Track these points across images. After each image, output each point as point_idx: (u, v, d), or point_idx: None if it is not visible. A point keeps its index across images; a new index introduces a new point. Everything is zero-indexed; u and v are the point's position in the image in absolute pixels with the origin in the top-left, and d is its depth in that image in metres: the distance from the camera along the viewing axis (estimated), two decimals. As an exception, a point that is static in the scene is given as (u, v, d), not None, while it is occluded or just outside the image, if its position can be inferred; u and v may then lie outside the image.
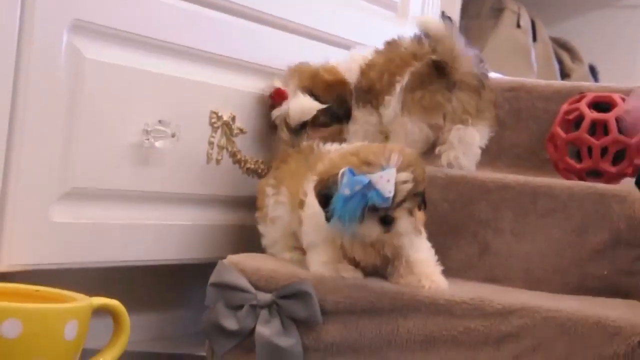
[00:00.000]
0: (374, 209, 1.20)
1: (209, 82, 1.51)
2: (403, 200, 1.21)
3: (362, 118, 1.57)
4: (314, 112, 1.47)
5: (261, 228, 1.47)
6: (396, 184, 1.19)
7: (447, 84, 1.43)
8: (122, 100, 1.35)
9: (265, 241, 1.46)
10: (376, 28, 1.88)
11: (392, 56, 1.53)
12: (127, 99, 1.36)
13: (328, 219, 1.23)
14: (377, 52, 1.59)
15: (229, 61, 1.54)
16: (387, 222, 1.21)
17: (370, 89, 1.55)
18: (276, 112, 1.56)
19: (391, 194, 1.18)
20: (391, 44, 1.57)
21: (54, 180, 1.28)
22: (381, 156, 1.21)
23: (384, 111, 1.51)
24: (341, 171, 1.20)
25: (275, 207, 1.43)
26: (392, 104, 1.49)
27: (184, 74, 1.46)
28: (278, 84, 1.58)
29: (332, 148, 1.40)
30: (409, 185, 1.20)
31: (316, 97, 1.50)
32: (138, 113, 1.38)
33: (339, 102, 1.56)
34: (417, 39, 1.52)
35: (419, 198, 1.24)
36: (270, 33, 1.63)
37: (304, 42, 1.71)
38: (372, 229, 1.22)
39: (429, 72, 1.45)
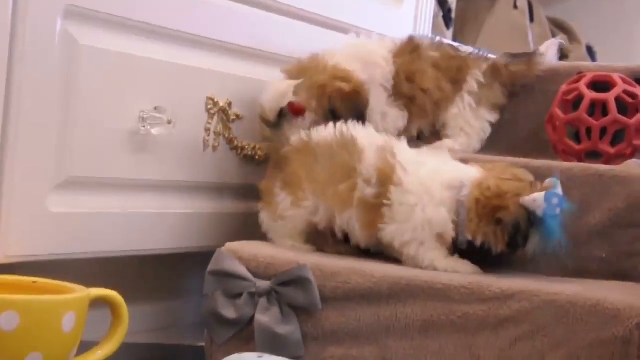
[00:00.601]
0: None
1: (204, 68, 1.50)
2: None
3: (391, 116, 1.57)
4: (290, 93, 1.46)
5: (267, 223, 1.44)
6: None
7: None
8: (117, 87, 1.34)
9: (272, 235, 1.44)
10: (373, 12, 1.87)
11: (444, 64, 1.59)
12: (123, 85, 1.35)
13: (520, 247, 1.27)
14: (406, 55, 1.58)
15: (225, 46, 1.53)
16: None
17: (415, 97, 1.57)
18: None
19: None
20: (418, 48, 1.59)
21: (50, 170, 1.27)
22: (526, 174, 1.29)
23: (442, 114, 1.60)
24: (542, 196, 1.23)
25: (291, 208, 1.39)
26: (459, 106, 1.60)
27: (179, 60, 1.45)
28: (291, 97, 1.48)
29: (351, 134, 1.38)
30: None
31: (334, 113, 1.46)
32: (134, 100, 1.37)
33: (355, 113, 1.48)
34: (439, 43, 1.63)
35: None
36: (266, 17, 1.61)
37: (301, 26, 1.69)
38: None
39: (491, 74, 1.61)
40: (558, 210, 1.23)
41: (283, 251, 1.35)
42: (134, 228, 1.40)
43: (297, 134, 1.44)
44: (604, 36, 2.95)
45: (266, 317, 1.26)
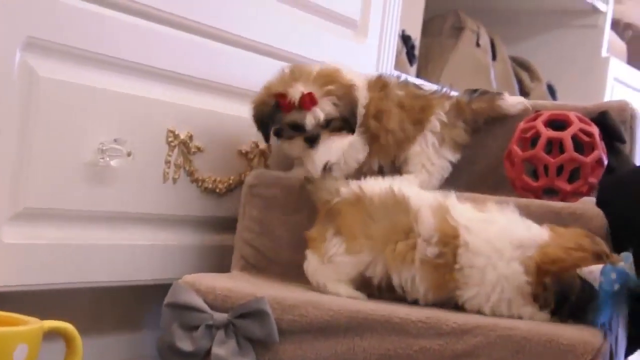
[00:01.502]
0: None
1: (165, 100, 1.50)
2: None
3: (355, 146, 1.58)
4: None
5: (313, 266, 1.41)
6: None
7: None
8: (77, 118, 1.34)
9: (318, 278, 1.41)
10: (336, 46, 1.89)
11: (409, 103, 1.61)
12: (82, 117, 1.35)
13: (566, 316, 1.27)
14: (376, 91, 1.60)
15: (185, 79, 1.53)
16: None
17: (379, 136, 1.59)
18: (310, 121, 1.48)
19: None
20: (386, 86, 1.61)
21: (5, 200, 1.25)
22: (598, 244, 1.28)
23: (404, 153, 1.61)
24: (600, 269, 1.23)
25: (344, 254, 1.37)
26: (421, 144, 1.61)
27: (139, 92, 1.45)
28: (302, 88, 1.48)
29: (394, 190, 1.39)
30: None
31: (340, 111, 1.49)
32: (93, 131, 1.36)
33: (351, 110, 1.52)
34: (404, 82, 1.65)
35: None
36: (227, 50, 1.62)
37: (263, 60, 1.70)
38: None
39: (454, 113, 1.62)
40: (616, 286, 1.22)
41: (240, 284, 1.35)
42: (91, 260, 1.39)
43: (346, 185, 1.42)
44: (564, 75, 3.00)
45: (223, 349, 1.25)
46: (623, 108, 1.60)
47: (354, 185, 1.41)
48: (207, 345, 1.26)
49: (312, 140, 1.50)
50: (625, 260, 1.24)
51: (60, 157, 1.32)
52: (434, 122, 1.60)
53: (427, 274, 1.33)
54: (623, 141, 1.57)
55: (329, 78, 1.51)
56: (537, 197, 1.51)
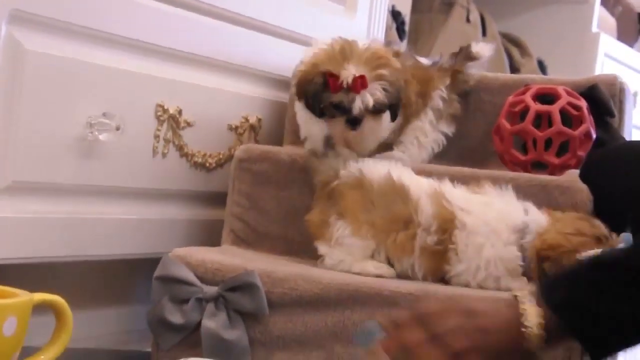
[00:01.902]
0: None
1: (154, 75, 1.49)
2: None
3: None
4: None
5: (323, 249, 1.39)
6: None
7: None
8: (64, 92, 1.33)
9: (329, 261, 1.39)
10: (325, 21, 1.88)
11: (417, 74, 1.58)
12: (70, 91, 1.34)
13: None
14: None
15: (175, 54, 1.53)
16: None
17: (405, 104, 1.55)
18: (358, 105, 1.42)
19: None
20: (398, 54, 1.57)
21: (-7, 174, 1.25)
22: (597, 227, 1.27)
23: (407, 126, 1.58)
24: (597, 252, 1.21)
25: (351, 236, 1.36)
26: (422, 120, 1.60)
27: (128, 66, 1.44)
28: (354, 70, 1.41)
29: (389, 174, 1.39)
30: None
31: (387, 90, 1.43)
32: (81, 105, 1.36)
33: (398, 97, 1.46)
34: (409, 53, 1.63)
35: None
36: (217, 25, 1.61)
37: (252, 35, 1.70)
38: None
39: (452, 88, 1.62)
40: None
41: (231, 257, 1.35)
42: (80, 234, 1.39)
43: (345, 167, 1.41)
44: (554, 51, 2.99)
45: (213, 322, 1.25)
46: (612, 82, 1.60)
47: (353, 167, 1.41)
48: (197, 318, 1.27)
49: (354, 123, 1.44)
50: (625, 242, 1.24)
51: (49, 130, 1.31)
52: (437, 100, 1.59)
53: (425, 261, 1.34)
54: (612, 115, 1.57)
55: (382, 61, 1.44)
56: (526, 170, 1.52)
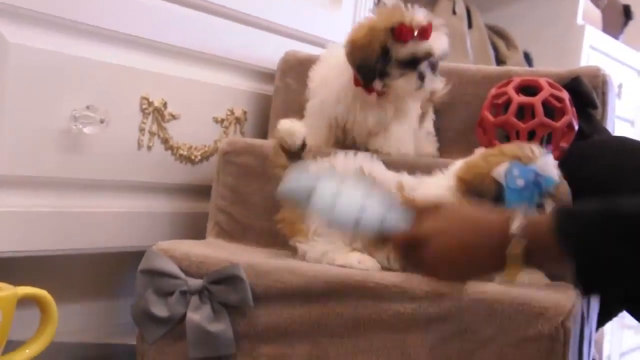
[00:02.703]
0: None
1: (139, 68, 1.49)
2: None
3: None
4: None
5: (303, 246, 1.38)
6: None
7: None
8: (48, 85, 1.33)
9: (311, 254, 1.37)
10: (310, 13, 1.88)
11: None
12: (54, 84, 1.34)
13: None
14: None
15: (160, 46, 1.53)
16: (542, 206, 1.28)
17: None
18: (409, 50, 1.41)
19: (558, 177, 1.26)
20: None
21: (-23, 168, 1.25)
22: (523, 149, 1.28)
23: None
24: (505, 167, 1.25)
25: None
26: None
27: (113, 59, 1.44)
28: (422, 18, 1.40)
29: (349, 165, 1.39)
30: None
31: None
32: (66, 99, 1.36)
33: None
34: None
35: None
36: (202, 18, 1.61)
37: (237, 27, 1.70)
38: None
39: None
40: (520, 182, 1.24)
41: (215, 250, 1.36)
42: (64, 227, 1.39)
43: (315, 161, 1.41)
44: (539, 43, 3.00)
45: (197, 315, 1.26)
46: (595, 74, 1.61)
47: (325, 161, 1.41)
48: (181, 310, 1.27)
49: (422, 78, 1.43)
50: (541, 159, 1.26)
51: (33, 124, 1.31)
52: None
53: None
54: (595, 106, 1.58)
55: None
56: (509, 162, 1.52)
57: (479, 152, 1.34)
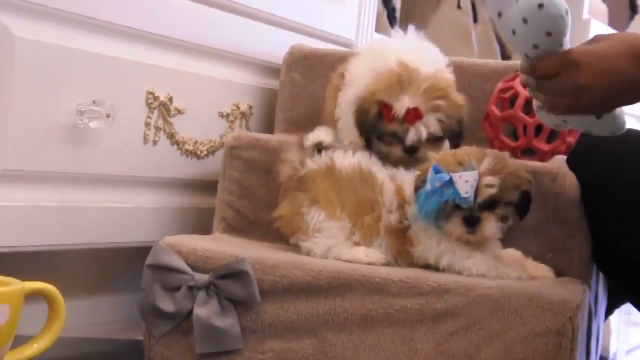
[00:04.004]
0: (458, 207, 1.27)
1: (145, 62, 1.49)
2: (490, 204, 1.27)
3: None
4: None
5: (305, 244, 1.38)
6: (479, 187, 1.25)
7: None
8: (54, 79, 1.33)
9: (316, 251, 1.37)
10: (315, 8, 1.88)
11: None
12: (60, 78, 1.34)
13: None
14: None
15: (165, 40, 1.53)
16: (470, 222, 1.28)
17: None
18: (411, 137, 1.41)
19: (468, 195, 1.25)
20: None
21: (-17, 163, 1.25)
22: (474, 158, 1.28)
23: None
24: (430, 167, 1.27)
25: (327, 220, 1.36)
26: None
27: (118, 53, 1.44)
28: (407, 102, 1.39)
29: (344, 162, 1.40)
30: (492, 190, 1.26)
31: (446, 129, 1.42)
32: (71, 93, 1.35)
33: (458, 130, 1.44)
34: None
35: (510, 207, 1.29)
36: (207, 12, 1.61)
37: (243, 22, 1.69)
38: (454, 227, 1.28)
39: None
40: (429, 186, 1.27)
41: (222, 245, 1.35)
42: (71, 222, 1.39)
43: (314, 159, 1.41)
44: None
45: (204, 310, 1.26)
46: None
47: (324, 157, 1.41)
48: (188, 306, 1.27)
49: (411, 151, 1.43)
50: (462, 172, 1.26)
51: (39, 118, 1.31)
52: None
53: (391, 241, 1.35)
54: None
55: (441, 93, 1.42)
56: (516, 157, 1.51)
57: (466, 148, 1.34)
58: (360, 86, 1.47)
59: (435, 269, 1.32)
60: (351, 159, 1.40)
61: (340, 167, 1.39)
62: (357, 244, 1.37)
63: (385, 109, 1.41)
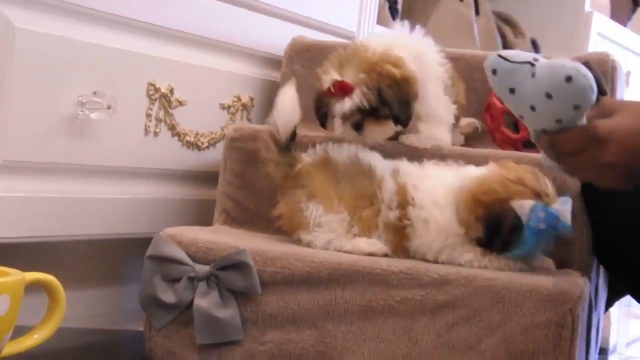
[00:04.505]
0: None
1: (146, 53, 1.49)
2: None
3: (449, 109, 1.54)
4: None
5: (306, 237, 1.38)
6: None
7: None
8: (55, 70, 1.33)
9: (318, 243, 1.36)
10: (316, 0, 1.88)
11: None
12: (61, 69, 1.33)
13: (497, 248, 1.27)
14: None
15: (166, 32, 1.52)
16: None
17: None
18: (340, 108, 1.40)
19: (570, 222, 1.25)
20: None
21: (-16, 154, 1.25)
22: (541, 183, 1.26)
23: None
24: (530, 205, 1.23)
25: (326, 214, 1.35)
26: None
27: (120, 44, 1.44)
28: (335, 75, 1.40)
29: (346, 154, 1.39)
30: None
31: (381, 96, 1.39)
32: (72, 84, 1.35)
33: (403, 102, 1.42)
34: None
35: None
36: (209, 3, 1.61)
37: (244, 13, 1.69)
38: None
39: None
40: (542, 225, 1.23)
41: (222, 236, 1.35)
42: (72, 213, 1.39)
43: (309, 152, 1.41)
44: (547, 30, 2.99)
45: (205, 301, 1.26)
46: (604, 60, 1.60)
47: (319, 149, 1.41)
48: (189, 297, 1.27)
49: (356, 127, 1.42)
50: (561, 204, 1.24)
51: (39, 109, 1.31)
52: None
53: (389, 237, 1.34)
54: (604, 93, 1.57)
55: (375, 67, 1.40)
56: (517, 149, 1.52)
57: (493, 168, 1.31)
58: None
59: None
60: (347, 149, 1.40)
61: (335, 158, 1.39)
62: (357, 236, 1.36)
63: (320, 86, 1.41)
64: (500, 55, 1.08)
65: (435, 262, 1.30)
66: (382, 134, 1.44)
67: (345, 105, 1.39)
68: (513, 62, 1.06)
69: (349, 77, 1.39)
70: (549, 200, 1.25)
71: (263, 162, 1.43)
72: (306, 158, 1.40)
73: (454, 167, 1.36)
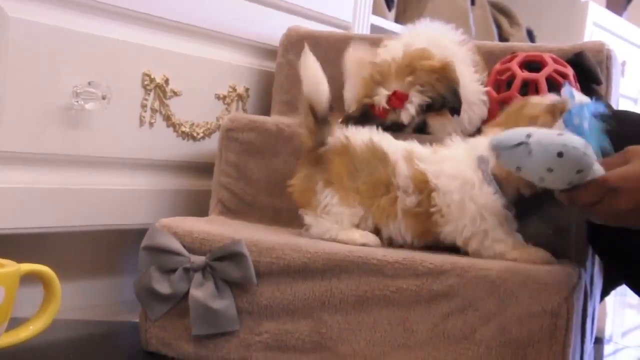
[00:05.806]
0: None
1: (141, 43, 1.48)
2: None
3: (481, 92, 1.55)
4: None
5: (309, 219, 1.37)
6: None
7: None
8: (49, 60, 1.32)
9: (315, 230, 1.37)
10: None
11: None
12: (55, 59, 1.33)
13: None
14: None
15: (161, 22, 1.52)
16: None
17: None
18: (406, 119, 1.44)
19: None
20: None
21: (-21, 144, 1.25)
22: (546, 102, 1.27)
23: None
24: (562, 120, 1.20)
25: (339, 205, 1.35)
26: None
27: (114, 35, 1.43)
28: (384, 91, 1.43)
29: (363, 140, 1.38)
30: None
31: (435, 91, 1.43)
32: (67, 74, 1.35)
33: (452, 93, 1.44)
34: None
35: None
36: (203, -6, 1.61)
37: (239, 3, 1.69)
38: None
39: None
40: (585, 124, 1.19)
41: (218, 227, 1.35)
42: (66, 204, 1.39)
43: (333, 134, 1.39)
44: (543, 20, 2.99)
45: (201, 292, 1.26)
46: (599, 49, 1.60)
47: (340, 134, 1.40)
48: (185, 287, 1.27)
49: (420, 131, 1.46)
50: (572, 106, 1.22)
51: (33, 100, 1.31)
52: None
53: (410, 223, 1.33)
54: (599, 82, 1.57)
55: (409, 68, 1.43)
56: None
57: (492, 129, 1.31)
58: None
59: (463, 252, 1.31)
60: (364, 134, 1.38)
61: (354, 144, 1.37)
62: (370, 229, 1.35)
63: (372, 110, 1.45)
64: (496, 140, 1.17)
65: (465, 247, 1.30)
66: (447, 125, 1.47)
67: (409, 109, 1.43)
68: (508, 147, 1.14)
69: (396, 87, 1.43)
70: (564, 107, 1.23)
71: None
72: (331, 142, 1.38)
73: (462, 143, 1.35)
